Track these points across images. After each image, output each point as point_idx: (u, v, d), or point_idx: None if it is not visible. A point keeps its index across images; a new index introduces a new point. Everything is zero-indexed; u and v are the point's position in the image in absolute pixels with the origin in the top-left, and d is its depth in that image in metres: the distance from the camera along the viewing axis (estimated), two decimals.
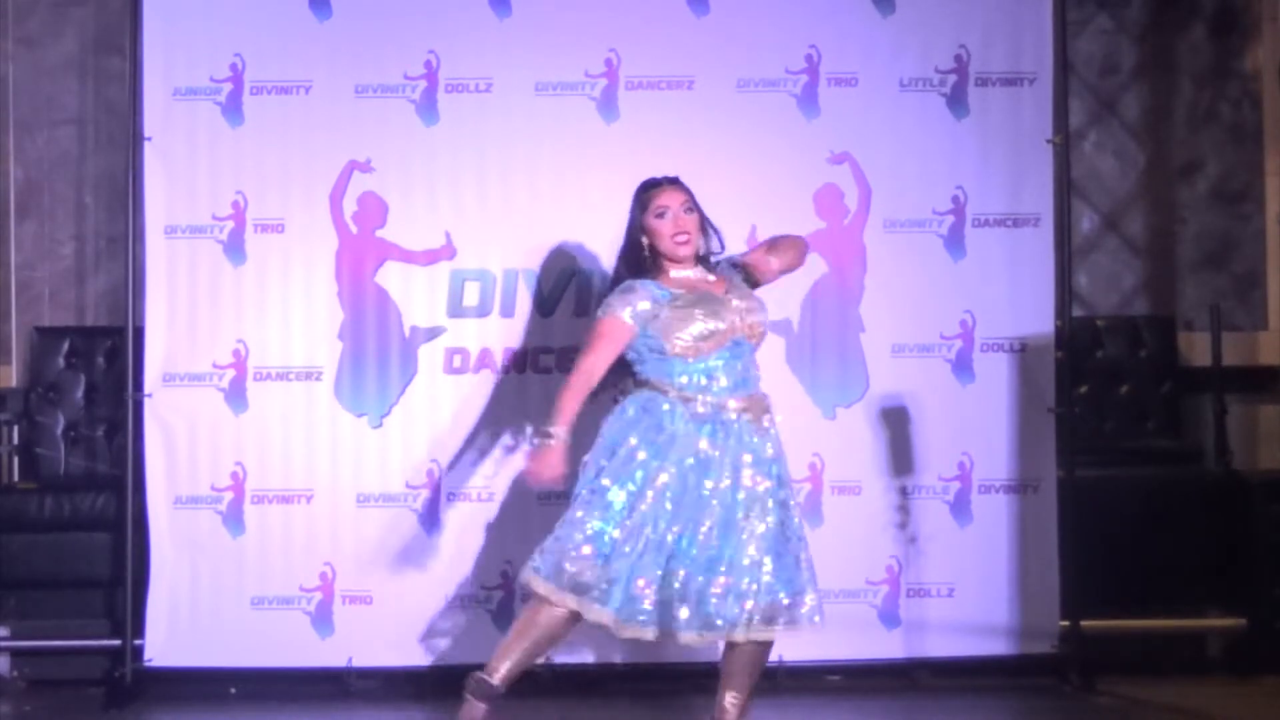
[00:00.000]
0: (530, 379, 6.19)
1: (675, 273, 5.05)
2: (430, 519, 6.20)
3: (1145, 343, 7.30)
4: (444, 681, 6.09)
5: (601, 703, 6.06)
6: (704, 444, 4.92)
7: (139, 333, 6.22)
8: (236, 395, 6.22)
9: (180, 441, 6.20)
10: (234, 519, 6.20)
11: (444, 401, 6.22)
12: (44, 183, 7.27)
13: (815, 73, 6.31)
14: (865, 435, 6.28)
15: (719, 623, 4.87)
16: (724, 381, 4.95)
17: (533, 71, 6.25)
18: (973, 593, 6.27)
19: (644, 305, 4.96)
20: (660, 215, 5.04)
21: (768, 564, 4.90)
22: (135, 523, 6.18)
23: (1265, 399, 7.33)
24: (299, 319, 6.24)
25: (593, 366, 4.97)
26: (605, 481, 4.91)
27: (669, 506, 4.89)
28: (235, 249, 6.24)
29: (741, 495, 4.92)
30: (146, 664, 6.15)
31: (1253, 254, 7.48)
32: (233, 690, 6.23)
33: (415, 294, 6.23)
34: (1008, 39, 6.35)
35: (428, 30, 6.26)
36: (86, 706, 6.08)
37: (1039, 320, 6.32)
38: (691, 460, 4.91)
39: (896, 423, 6.27)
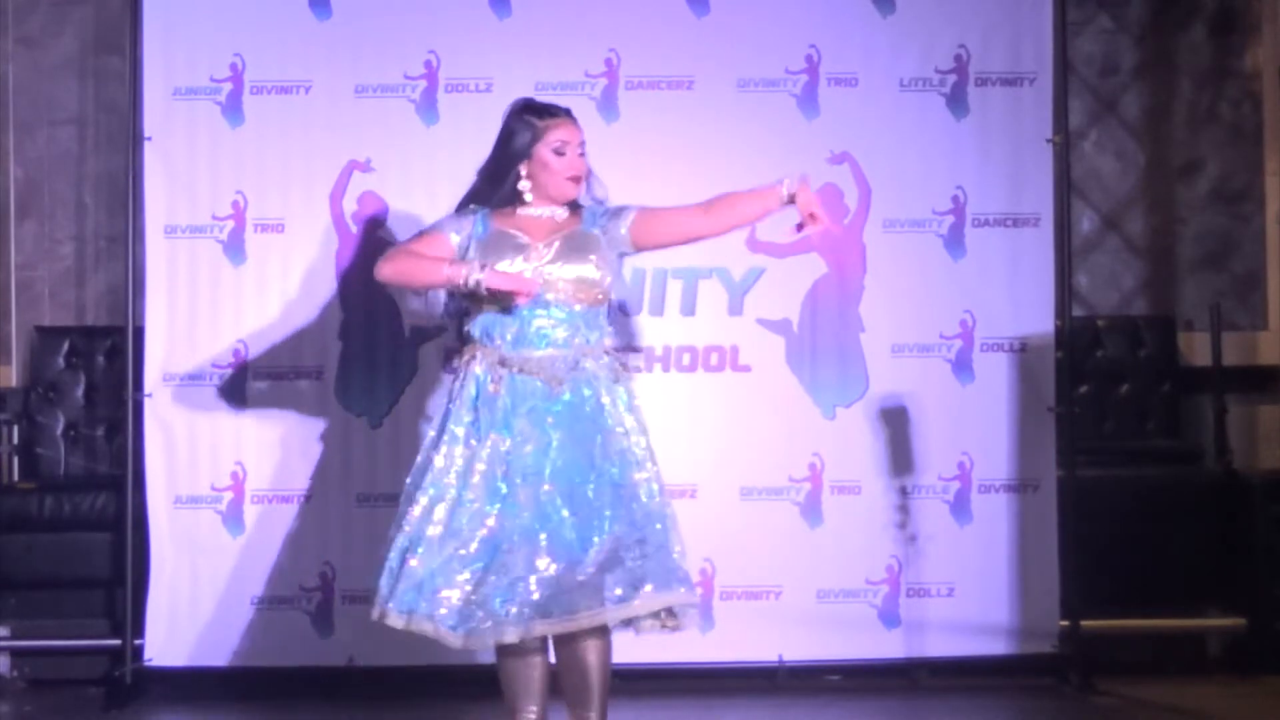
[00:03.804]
0: None
1: (533, 210, 4.68)
2: None
3: (1145, 343, 7.29)
4: (444, 681, 6.10)
5: None
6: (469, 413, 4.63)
7: (139, 333, 6.23)
8: (236, 395, 6.22)
9: (180, 441, 6.21)
10: (234, 519, 6.20)
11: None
12: (44, 183, 7.27)
13: (815, 73, 6.31)
14: (865, 435, 6.28)
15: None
16: (507, 336, 4.59)
17: (533, 71, 6.24)
18: (973, 592, 6.27)
19: (466, 231, 4.66)
20: (559, 151, 4.67)
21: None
22: (135, 523, 6.18)
23: (1265, 399, 7.33)
24: (299, 319, 6.24)
25: (410, 246, 4.73)
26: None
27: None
28: (235, 249, 6.24)
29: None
30: (146, 664, 6.15)
31: (1253, 254, 7.48)
32: (232, 690, 6.23)
33: (415, 294, 6.23)
34: (1008, 39, 6.35)
35: (428, 30, 6.27)
36: (86, 706, 6.09)
37: (1039, 320, 6.32)
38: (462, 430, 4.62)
39: (896, 422, 6.27)
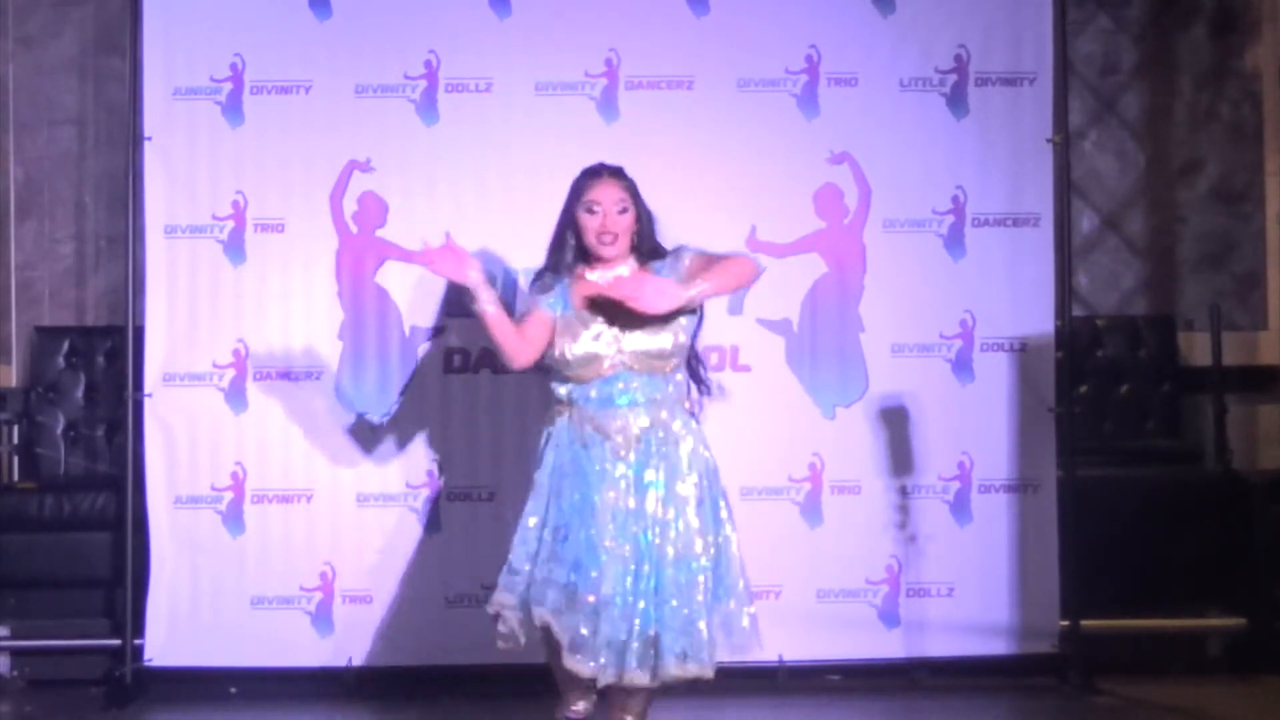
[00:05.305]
0: (529, 379, 6.16)
1: (594, 273, 4.91)
2: (430, 519, 6.21)
3: (1145, 343, 7.30)
4: (444, 681, 6.10)
5: None
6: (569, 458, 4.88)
7: (139, 333, 6.23)
8: (236, 395, 6.22)
9: (180, 441, 6.21)
10: (234, 519, 6.20)
11: (444, 401, 6.23)
12: (44, 183, 7.27)
13: (815, 73, 6.31)
14: (865, 435, 6.28)
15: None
16: (593, 394, 4.84)
17: (533, 71, 6.25)
18: (973, 592, 6.27)
19: (551, 301, 4.90)
20: (591, 211, 4.87)
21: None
22: (135, 523, 6.19)
23: (1265, 399, 7.33)
24: (299, 319, 6.24)
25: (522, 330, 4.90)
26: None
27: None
28: (235, 249, 6.24)
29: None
30: (146, 664, 6.15)
31: (1253, 254, 7.48)
32: (233, 690, 6.23)
33: (415, 294, 6.23)
34: (1008, 39, 6.35)
35: (428, 30, 6.27)
36: (86, 706, 6.08)
37: (1039, 320, 6.32)
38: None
39: (896, 422, 6.27)
